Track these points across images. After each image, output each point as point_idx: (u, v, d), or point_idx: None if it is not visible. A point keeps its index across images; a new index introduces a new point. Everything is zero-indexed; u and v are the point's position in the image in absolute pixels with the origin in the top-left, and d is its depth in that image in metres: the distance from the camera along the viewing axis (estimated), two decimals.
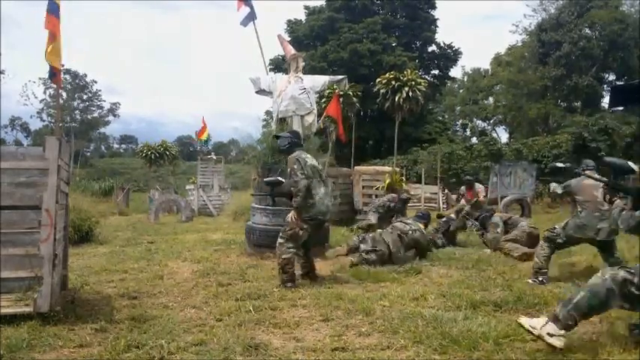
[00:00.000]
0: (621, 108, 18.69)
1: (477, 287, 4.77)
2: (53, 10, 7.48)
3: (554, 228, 5.37)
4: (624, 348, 3.02)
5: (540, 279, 5.03)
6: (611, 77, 34.03)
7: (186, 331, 3.53)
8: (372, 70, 31.19)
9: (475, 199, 11.00)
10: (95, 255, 7.39)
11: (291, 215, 5.11)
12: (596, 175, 4.84)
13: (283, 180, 5.69)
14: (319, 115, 10.04)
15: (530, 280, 5.01)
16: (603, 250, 5.41)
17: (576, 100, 33.44)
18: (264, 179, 6.45)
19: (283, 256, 5.03)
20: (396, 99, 15.02)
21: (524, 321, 3.08)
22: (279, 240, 5.12)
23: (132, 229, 12.51)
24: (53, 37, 7.46)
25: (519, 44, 37.59)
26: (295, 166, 5.09)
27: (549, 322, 2.96)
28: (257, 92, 8.66)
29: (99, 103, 55.39)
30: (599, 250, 5.45)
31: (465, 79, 48.95)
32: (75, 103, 53.03)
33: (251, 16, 10.01)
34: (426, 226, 7.27)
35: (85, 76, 53.28)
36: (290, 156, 5.23)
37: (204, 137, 24.07)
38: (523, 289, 4.58)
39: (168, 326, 3.59)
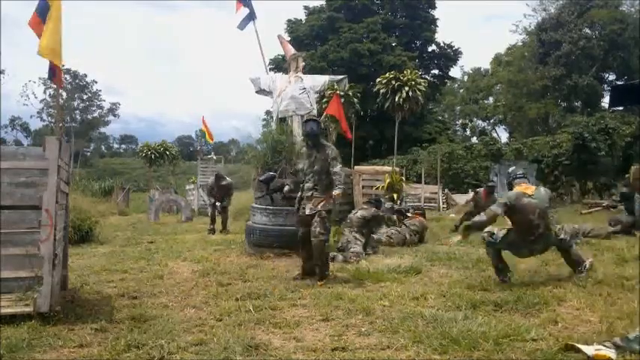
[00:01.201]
0: (621, 108, 18.71)
1: (477, 287, 4.76)
2: (41, 10, 7.44)
3: (493, 233, 5.05)
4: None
5: (502, 278, 4.92)
6: (611, 77, 34.06)
7: (186, 330, 3.52)
8: (372, 70, 31.21)
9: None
10: (95, 255, 7.39)
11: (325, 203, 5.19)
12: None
13: (276, 174, 5.72)
14: (319, 115, 10.03)
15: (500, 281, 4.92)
16: (561, 253, 5.30)
17: (576, 100, 33.43)
18: (259, 178, 6.45)
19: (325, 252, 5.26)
20: (396, 99, 15.00)
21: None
22: (325, 236, 5.23)
23: (132, 229, 12.52)
24: (39, 36, 7.43)
25: (519, 44, 37.62)
26: (339, 158, 5.30)
27: None
28: (257, 92, 8.67)
29: (99, 103, 55.47)
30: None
31: (465, 79, 48.95)
32: (75, 103, 53.06)
33: (250, 17, 10.02)
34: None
35: (85, 76, 53.36)
36: (332, 146, 5.46)
37: (208, 138, 23.98)
38: (523, 288, 4.57)
39: (168, 326, 3.58)
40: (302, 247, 5.44)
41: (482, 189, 11.36)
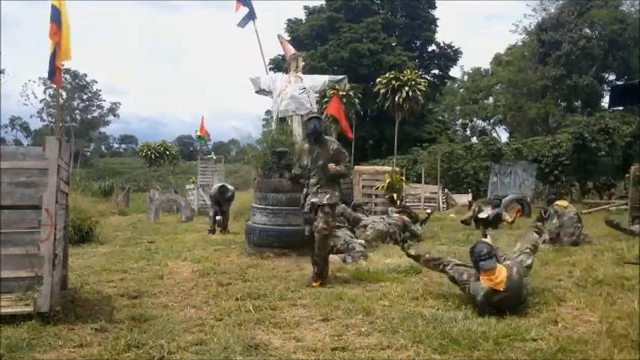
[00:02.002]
0: (621, 107, 18.72)
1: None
2: (55, 18, 7.47)
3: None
4: (624, 348, 3.02)
5: None
6: (611, 77, 34.12)
7: (186, 330, 3.52)
8: (372, 70, 31.23)
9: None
10: (95, 255, 7.39)
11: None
12: None
13: (288, 150, 5.77)
14: (320, 114, 10.03)
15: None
16: None
17: (576, 100, 33.47)
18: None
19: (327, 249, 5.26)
20: (396, 99, 14.97)
21: None
22: (327, 231, 5.20)
23: (132, 228, 12.52)
24: (59, 45, 7.46)
25: (519, 44, 37.64)
26: (345, 153, 5.28)
27: None
28: (257, 92, 8.68)
29: (99, 102, 55.48)
30: None
31: (465, 79, 48.97)
32: (75, 103, 53.06)
33: (250, 16, 10.05)
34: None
35: (85, 75, 53.35)
36: (334, 140, 5.45)
37: (204, 136, 23.94)
38: None
39: (168, 326, 3.58)
40: (310, 247, 5.29)
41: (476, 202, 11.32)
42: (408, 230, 8.41)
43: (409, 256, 4.94)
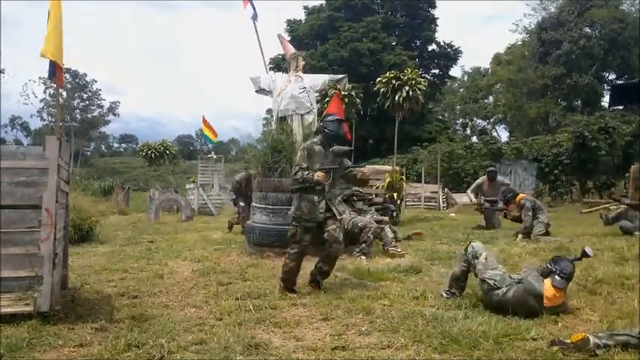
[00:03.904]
0: (621, 107, 18.73)
1: (477, 286, 4.75)
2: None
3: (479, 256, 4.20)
4: (624, 348, 3.02)
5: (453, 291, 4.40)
6: (611, 76, 34.10)
7: (186, 330, 3.53)
8: (372, 69, 31.21)
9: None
10: (95, 254, 7.38)
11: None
12: None
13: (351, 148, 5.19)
14: (319, 114, 10.02)
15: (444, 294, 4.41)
16: None
17: (576, 99, 33.46)
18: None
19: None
20: (396, 98, 14.95)
21: None
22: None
23: (132, 228, 12.50)
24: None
25: (519, 43, 37.63)
26: (298, 161, 4.74)
27: None
28: (257, 91, 8.65)
29: (99, 102, 55.54)
30: None
31: (465, 79, 48.98)
32: (75, 103, 53.11)
33: (254, 16, 10.08)
34: None
35: (85, 75, 53.42)
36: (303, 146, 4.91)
37: (212, 137, 23.71)
38: None
39: (168, 325, 3.58)
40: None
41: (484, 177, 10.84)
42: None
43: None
